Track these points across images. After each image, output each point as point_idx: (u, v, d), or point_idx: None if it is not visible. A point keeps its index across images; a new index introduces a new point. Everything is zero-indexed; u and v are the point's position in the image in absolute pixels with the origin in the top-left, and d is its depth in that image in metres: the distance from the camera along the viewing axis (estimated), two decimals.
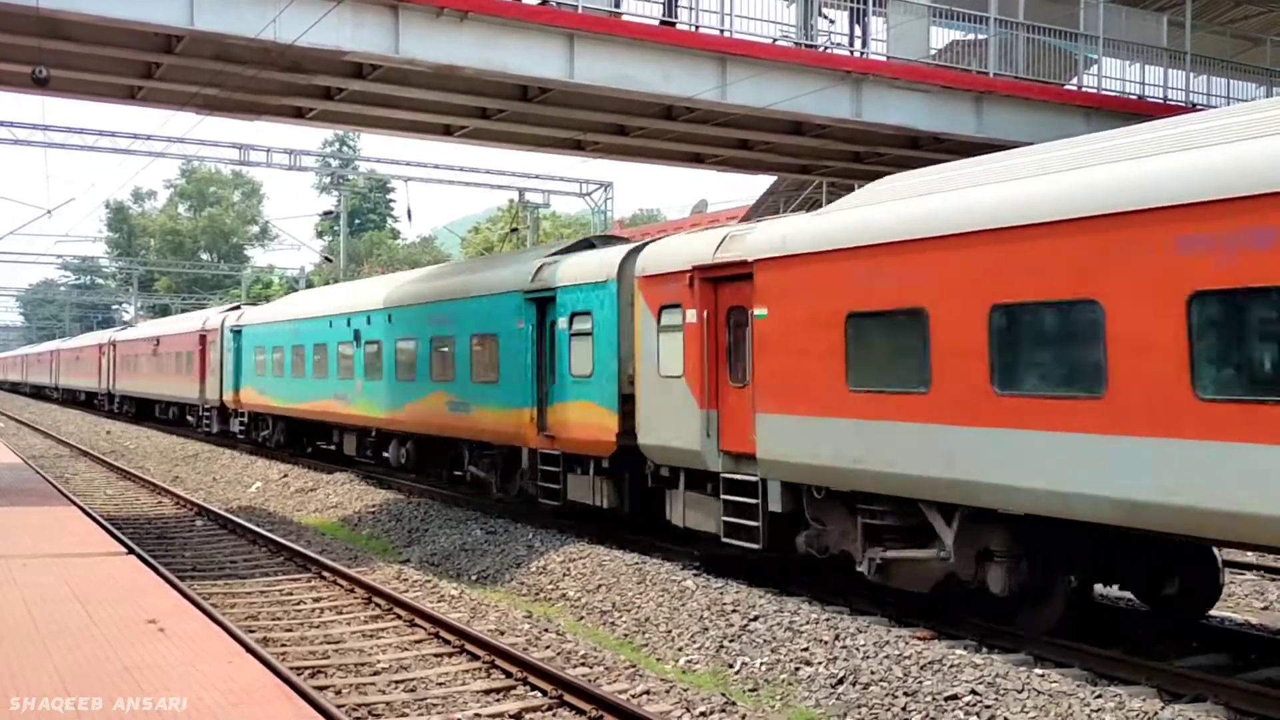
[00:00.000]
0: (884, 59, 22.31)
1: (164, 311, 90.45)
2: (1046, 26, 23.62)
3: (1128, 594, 11.39)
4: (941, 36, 23.77)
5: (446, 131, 24.03)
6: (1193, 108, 24.63)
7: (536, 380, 17.17)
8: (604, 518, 16.46)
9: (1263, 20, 29.02)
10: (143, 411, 48.01)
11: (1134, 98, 24.76)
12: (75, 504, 18.04)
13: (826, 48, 22.23)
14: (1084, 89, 24.64)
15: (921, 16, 22.43)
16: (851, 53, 22.58)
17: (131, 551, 13.34)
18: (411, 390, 21.60)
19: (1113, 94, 24.62)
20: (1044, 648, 10.29)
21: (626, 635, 12.01)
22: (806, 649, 10.42)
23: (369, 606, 13.09)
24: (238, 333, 33.43)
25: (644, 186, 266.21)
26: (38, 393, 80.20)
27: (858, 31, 22.71)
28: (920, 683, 9.27)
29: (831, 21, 22.57)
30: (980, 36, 23.26)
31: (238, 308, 38.24)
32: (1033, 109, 23.21)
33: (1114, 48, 24.57)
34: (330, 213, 74.30)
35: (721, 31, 20.54)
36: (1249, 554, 13.58)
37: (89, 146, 33.85)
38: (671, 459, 14.07)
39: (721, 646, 10.99)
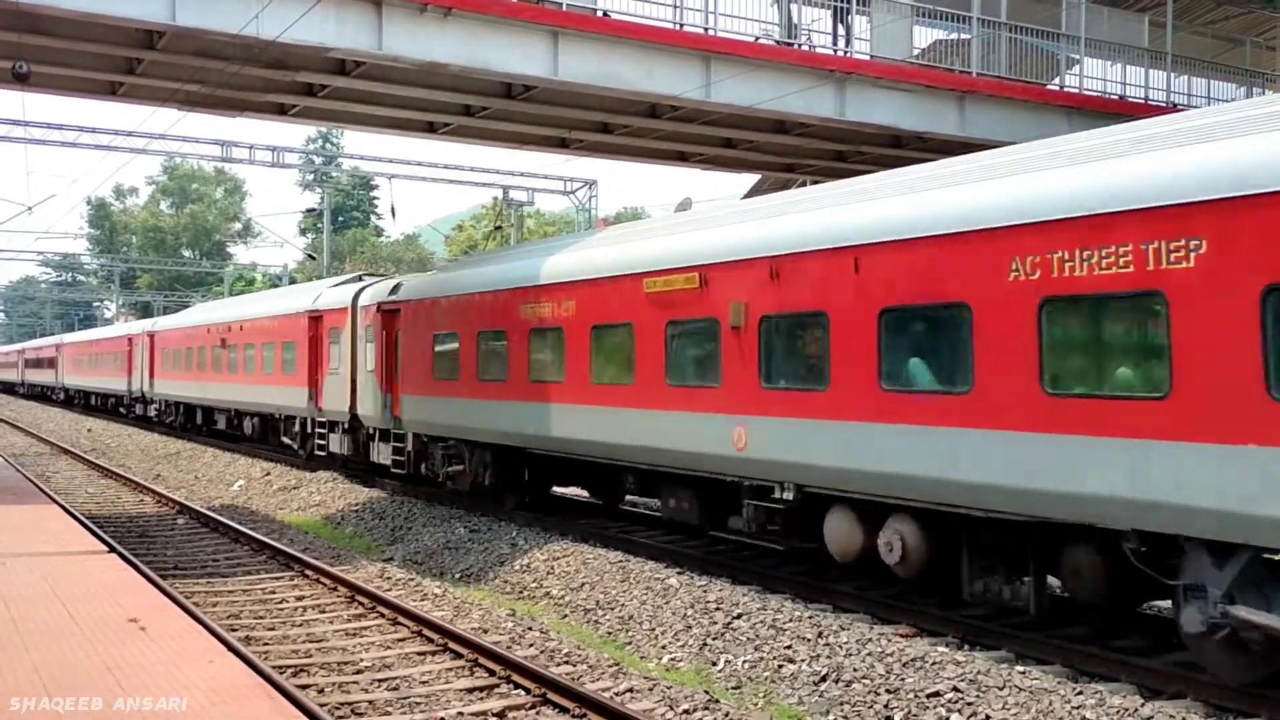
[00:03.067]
0: (868, 58, 22.37)
1: (146, 309, 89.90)
2: (1029, 26, 23.72)
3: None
4: (925, 36, 23.86)
5: (430, 129, 23.96)
6: (1173, 108, 24.78)
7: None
8: None
9: (1243, 21, 29.20)
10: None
11: (1115, 98, 24.89)
12: (56, 502, 17.94)
13: (808, 46, 22.27)
14: (1066, 89, 24.76)
15: (905, 16, 22.50)
16: (835, 51, 22.63)
17: (113, 550, 13.27)
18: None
19: (1094, 94, 24.75)
20: (1026, 645, 10.34)
21: (610, 633, 12.02)
22: (790, 647, 10.45)
23: (352, 605, 13.06)
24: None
25: (628, 184, 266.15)
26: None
27: (841, 30, 22.75)
28: (902, 680, 9.31)
29: (813, 21, 22.63)
30: (963, 36, 23.34)
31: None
32: (1015, 109, 23.30)
33: (1096, 48, 24.69)
34: (314, 210, 74.08)
35: (706, 30, 20.56)
36: None
37: (70, 143, 33.57)
38: None
39: (705, 644, 11.01)
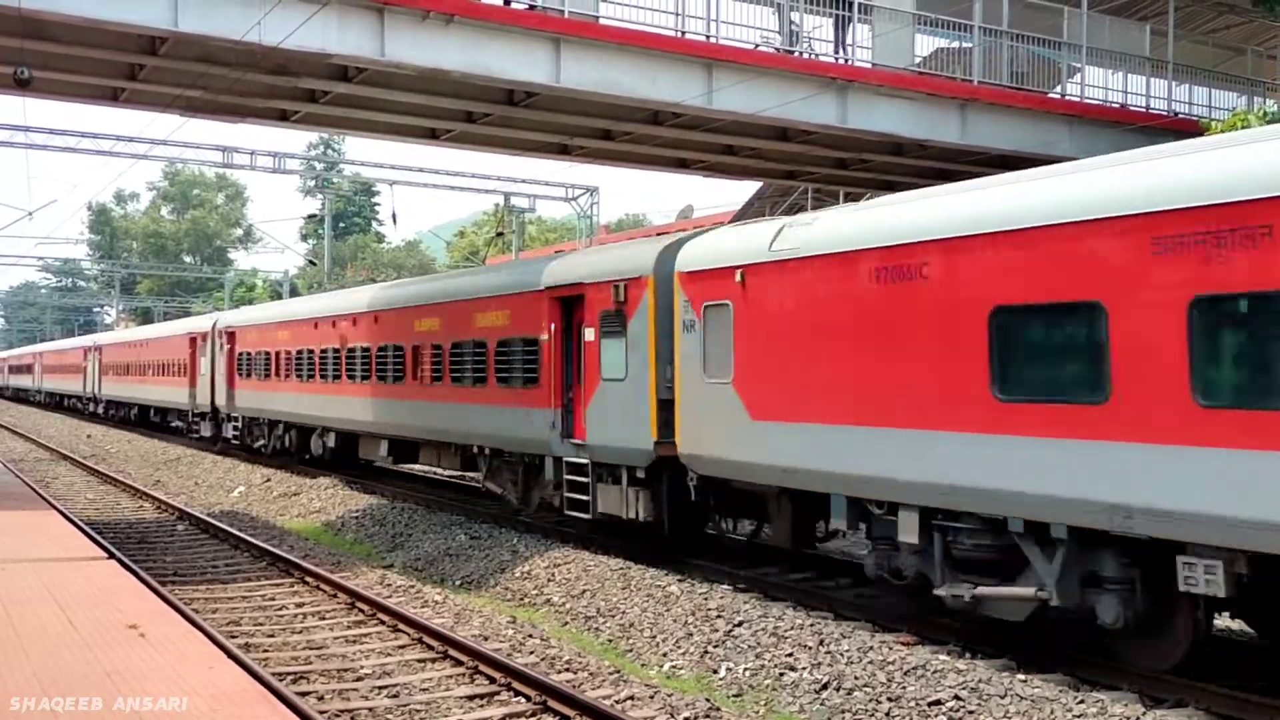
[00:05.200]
0: (869, 66, 22.37)
1: (146, 315, 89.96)
2: (1030, 35, 23.72)
3: None
4: (926, 44, 23.86)
5: (432, 135, 23.97)
6: (1174, 116, 24.80)
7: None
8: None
9: (1244, 30, 29.21)
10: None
11: (1117, 107, 24.90)
12: (55, 508, 17.90)
13: (811, 54, 22.28)
14: (1067, 98, 24.77)
15: (907, 24, 22.50)
16: (836, 58, 22.64)
17: (112, 556, 13.27)
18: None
19: (1095, 103, 24.76)
20: (1027, 653, 10.31)
21: (611, 640, 11.99)
22: (791, 654, 10.43)
23: (352, 612, 13.04)
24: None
25: (630, 191, 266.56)
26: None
27: (847, 39, 22.71)
28: (904, 688, 9.28)
29: (815, 28, 22.62)
30: (965, 45, 23.35)
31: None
32: (1016, 117, 23.30)
33: (1097, 56, 24.70)
34: (315, 216, 74.07)
35: (708, 37, 20.57)
36: None
37: (71, 148, 33.53)
38: None
39: (706, 652, 10.98)
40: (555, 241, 74.02)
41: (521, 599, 14.12)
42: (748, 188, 39.92)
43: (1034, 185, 10.05)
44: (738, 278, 12.69)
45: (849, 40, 22.60)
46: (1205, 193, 8.32)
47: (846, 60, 22.71)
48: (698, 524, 15.20)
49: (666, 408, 13.94)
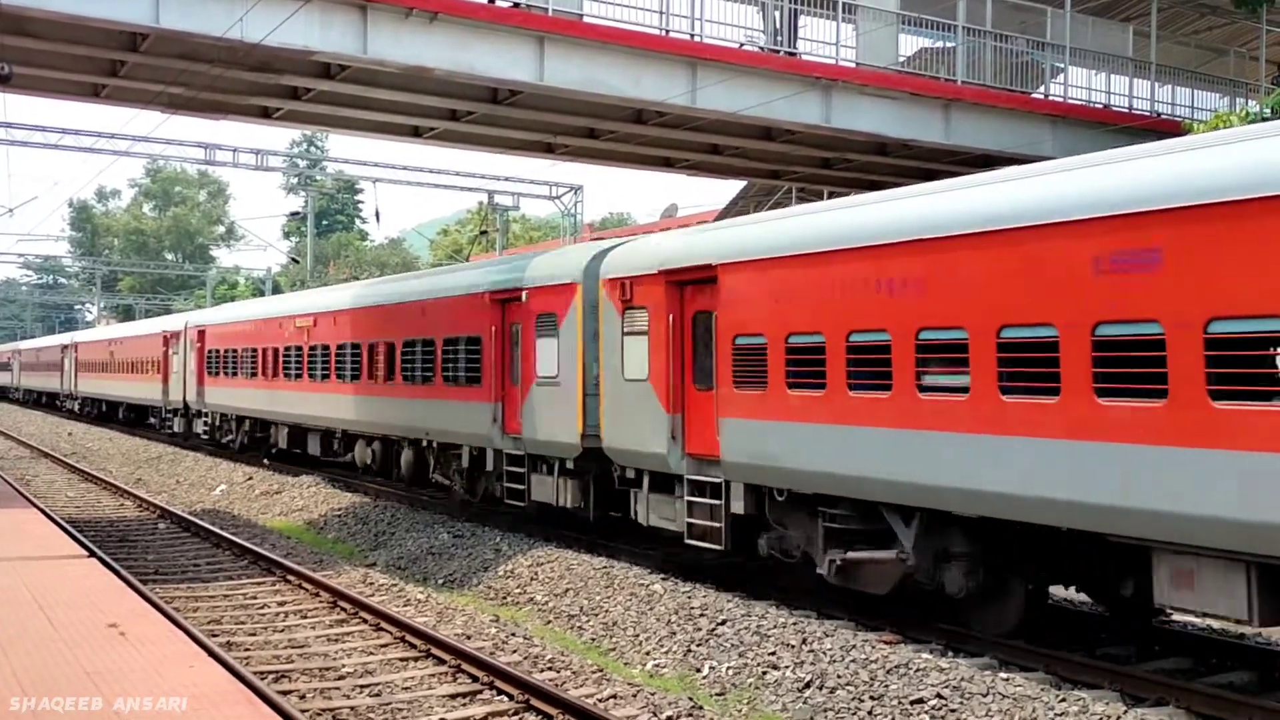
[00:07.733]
0: (853, 66, 22.41)
1: (127, 312, 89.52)
2: (1014, 35, 23.81)
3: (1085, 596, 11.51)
4: (910, 44, 23.94)
5: (415, 133, 23.92)
6: (1157, 117, 24.94)
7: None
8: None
9: (1226, 31, 29.40)
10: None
11: (1099, 107, 25.02)
12: (36, 506, 17.78)
13: (794, 53, 22.30)
14: (1050, 98, 24.87)
15: (891, 24, 22.55)
16: (779, 50, 22.63)
17: (93, 554, 13.19)
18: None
19: (1078, 103, 24.87)
20: (1009, 652, 10.37)
21: (594, 639, 11.99)
22: (774, 653, 10.44)
23: (334, 610, 13.00)
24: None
25: (614, 190, 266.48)
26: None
27: (795, 30, 22.52)
28: (886, 686, 9.31)
29: (800, 28, 22.63)
30: (949, 44, 23.42)
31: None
32: (999, 117, 23.39)
33: (1080, 57, 24.82)
34: (297, 213, 73.83)
35: (692, 36, 20.58)
36: None
37: (52, 144, 33.31)
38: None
39: (689, 650, 10.99)
40: (540, 240, 73.99)
41: (504, 598, 14.10)
42: (732, 186, 39.94)
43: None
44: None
45: (800, 33, 22.50)
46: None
47: (828, 59, 22.72)
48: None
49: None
